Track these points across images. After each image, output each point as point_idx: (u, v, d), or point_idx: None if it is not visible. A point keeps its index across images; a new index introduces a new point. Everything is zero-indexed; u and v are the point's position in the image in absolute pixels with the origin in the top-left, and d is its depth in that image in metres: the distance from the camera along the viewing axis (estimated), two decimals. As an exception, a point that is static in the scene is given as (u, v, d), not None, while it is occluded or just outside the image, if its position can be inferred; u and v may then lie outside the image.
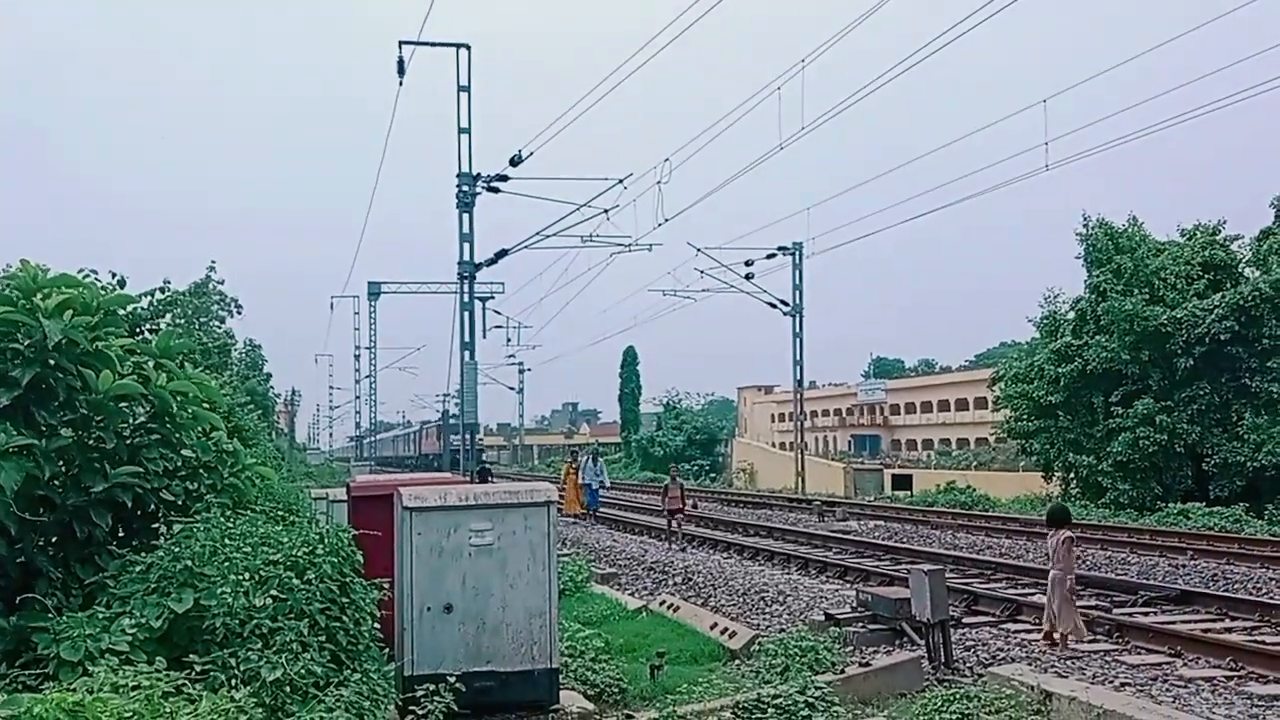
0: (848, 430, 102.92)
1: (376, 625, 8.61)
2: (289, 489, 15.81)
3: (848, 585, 16.57)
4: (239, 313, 36.43)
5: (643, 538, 25.56)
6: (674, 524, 23.69)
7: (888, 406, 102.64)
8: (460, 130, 29.68)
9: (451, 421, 57.03)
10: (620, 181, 28.29)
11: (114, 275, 10.91)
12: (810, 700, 8.73)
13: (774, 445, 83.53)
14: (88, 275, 9.68)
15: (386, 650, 9.08)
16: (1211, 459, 30.23)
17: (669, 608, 14.80)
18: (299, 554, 8.02)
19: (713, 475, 67.97)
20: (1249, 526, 24.21)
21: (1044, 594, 13.70)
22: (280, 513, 10.53)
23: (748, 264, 42.78)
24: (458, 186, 29.94)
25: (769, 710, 8.62)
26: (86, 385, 7.95)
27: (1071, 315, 35.74)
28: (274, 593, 7.61)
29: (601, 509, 31.44)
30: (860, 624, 12.47)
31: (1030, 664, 10.69)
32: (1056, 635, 11.59)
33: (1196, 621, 13.07)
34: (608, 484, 32.51)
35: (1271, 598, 14.79)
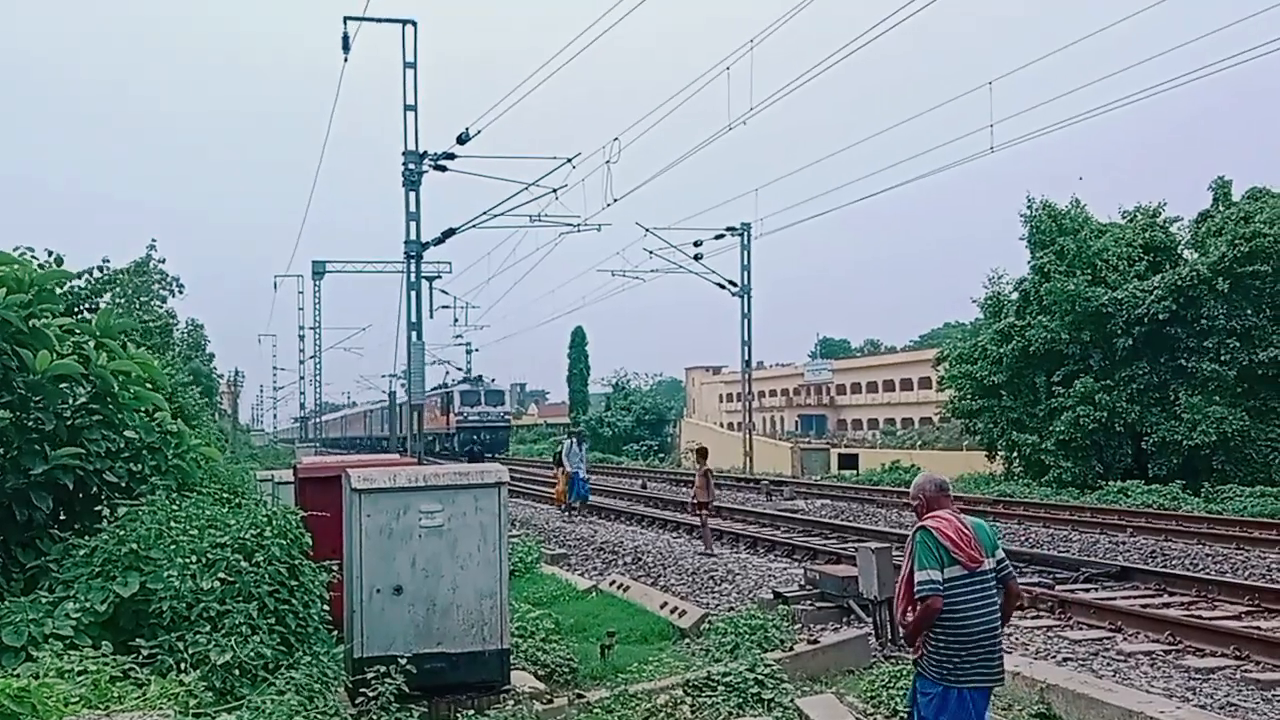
0: (795, 410, 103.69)
1: (326, 607, 8.57)
2: (234, 470, 15.66)
3: (796, 564, 16.70)
4: (181, 292, 35.90)
5: (594, 519, 25.57)
6: (704, 521, 18.59)
7: (834, 387, 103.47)
8: (406, 107, 29.36)
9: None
10: (569, 161, 28.18)
11: (50, 254, 10.68)
12: (759, 677, 8.82)
13: (722, 425, 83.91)
14: (22, 252, 9.48)
15: (336, 632, 9.03)
16: (1150, 437, 30.76)
17: (619, 588, 14.85)
18: (247, 536, 7.96)
19: (661, 455, 68.15)
20: (1186, 504, 24.73)
21: None
22: (226, 495, 10.44)
23: (696, 244, 42.83)
24: (404, 165, 29.62)
25: (719, 687, 8.68)
26: (24, 365, 7.80)
27: (1015, 296, 36.13)
28: (222, 575, 7.55)
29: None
30: (808, 602, 12.59)
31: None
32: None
33: (1136, 597, 13.35)
34: (583, 473, 26.46)
35: (1208, 573, 15.14)
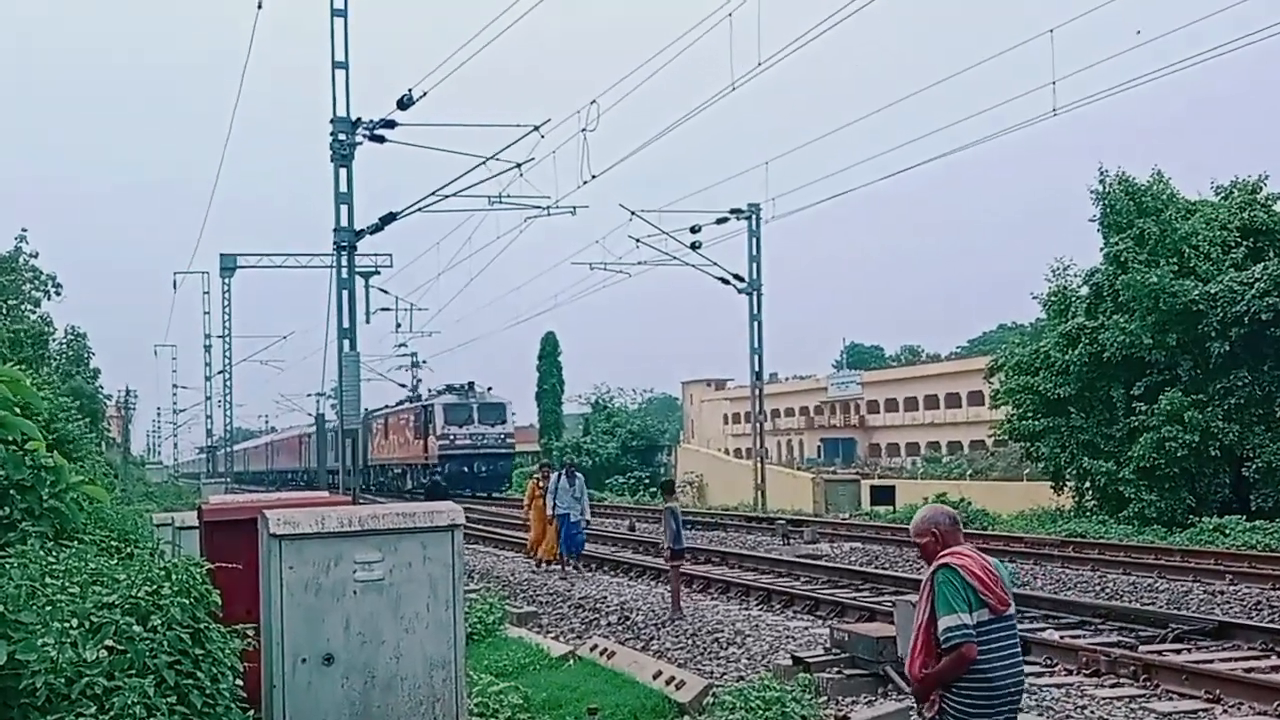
0: (816, 433, 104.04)
1: (239, 682, 8.50)
2: (125, 513, 15.59)
3: (819, 622, 16.70)
4: (58, 294, 35.92)
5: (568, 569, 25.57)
6: (674, 574, 18.72)
7: (864, 403, 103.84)
8: (335, 64, 29.35)
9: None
10: (536, 129, 28.22)
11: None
12: (777, 764, 8.80)
13: (727, 451, 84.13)
14: None
15: (252, 712, 8.98)
16: (1253, 463, 30.88)
17: (602, 653, 14.82)
18: (140, 594, 7.91)
19: (653, 490, 68.23)
20: (1297, 544, 24.84)
21: (1055, 628, 15.18)
22: (115, 543, 10.39)
23: (694, 230, 42.92)
24: (333, 135, 29.57)
25: (727, 777, 8.67)
26: None
27: (1085, 291, 36.29)
28: (109, 643, 7.49)
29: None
30: (835, 668, 12.58)
31: (1041, 715, 10.87)
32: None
33: (1238, 659, 13.39)
34: (588, 515, 25.04)
35: (1325, 629, 15.17)
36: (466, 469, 55.38)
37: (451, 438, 55.56)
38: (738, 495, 46.65)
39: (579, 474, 25.30)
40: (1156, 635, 14.76)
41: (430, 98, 29.85)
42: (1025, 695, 11.74)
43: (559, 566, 24.40)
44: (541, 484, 25.75)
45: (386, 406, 70.05)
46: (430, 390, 63.24)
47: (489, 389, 58.76)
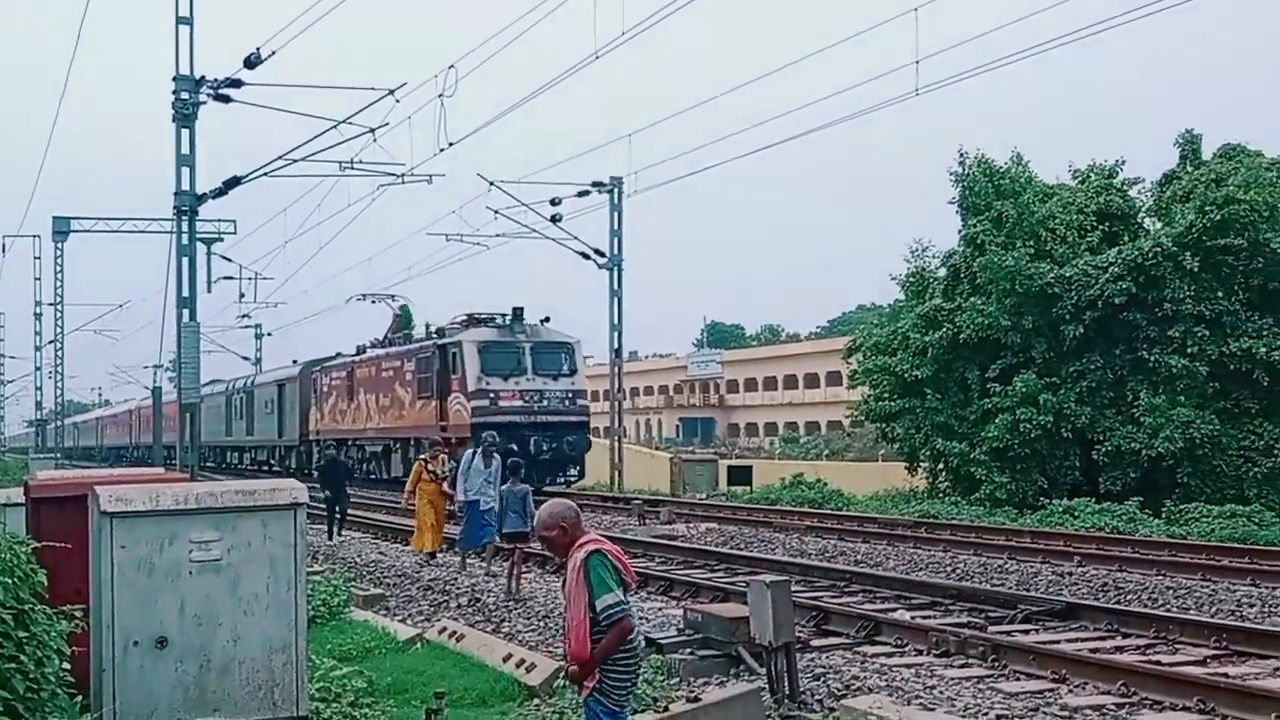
0: (675, 412, 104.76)
1: (66, 666, 8.31)
2: (-56, 489, 15.06)
3: (674, 603, 16.81)
4: None
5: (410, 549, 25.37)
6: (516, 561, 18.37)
7: (724, 382, 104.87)
8: (179, 20, 28.67)
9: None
10: (391, 93, 27.83)
11: None
12: (627, 746, 8.86)
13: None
14: None
15: (80, 698, 8.78)
16: (1103, 446, 31.78)
17: (451, 636, 14.76)
18: (-42, 575, 7.68)
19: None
20: (1144, 526, 25.64)
21: (906, 609, 15.44)
22: (-68, 521, 10.05)
23: (554, 203, 42.72)
24: (174, 93, 28.93)
25: (576, 760, 8.71)
26: None
27: (942, 272, 37.03)
28: (-77, 627, 7.27)
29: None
30: (688, 650, 12.68)
31: (891, 695, 11.10)
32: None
33: (1084, 640, 13.78)
34: (486, 502, 20.59)
35: (1168, 610, 15.73)
36: (516, 446, 33.88)
37: (492, 396, 37.09)
38: (594, 474, 46.73)
39: (497, 455, 21.62)
40: (1006, 616, 15.12)
41: (281, 58, 29.38)
42: (877, 675, 12.04)
43: (430, 557, 22.57)
44: (430, 466, 23.43)
45: (340, 355, 52.73)
46: (425, 329, 43.87)
47: (545, 320, 40.79)
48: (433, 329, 42.74)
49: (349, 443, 47.27)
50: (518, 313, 39.52)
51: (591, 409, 40.93)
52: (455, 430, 36.86)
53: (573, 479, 40.03)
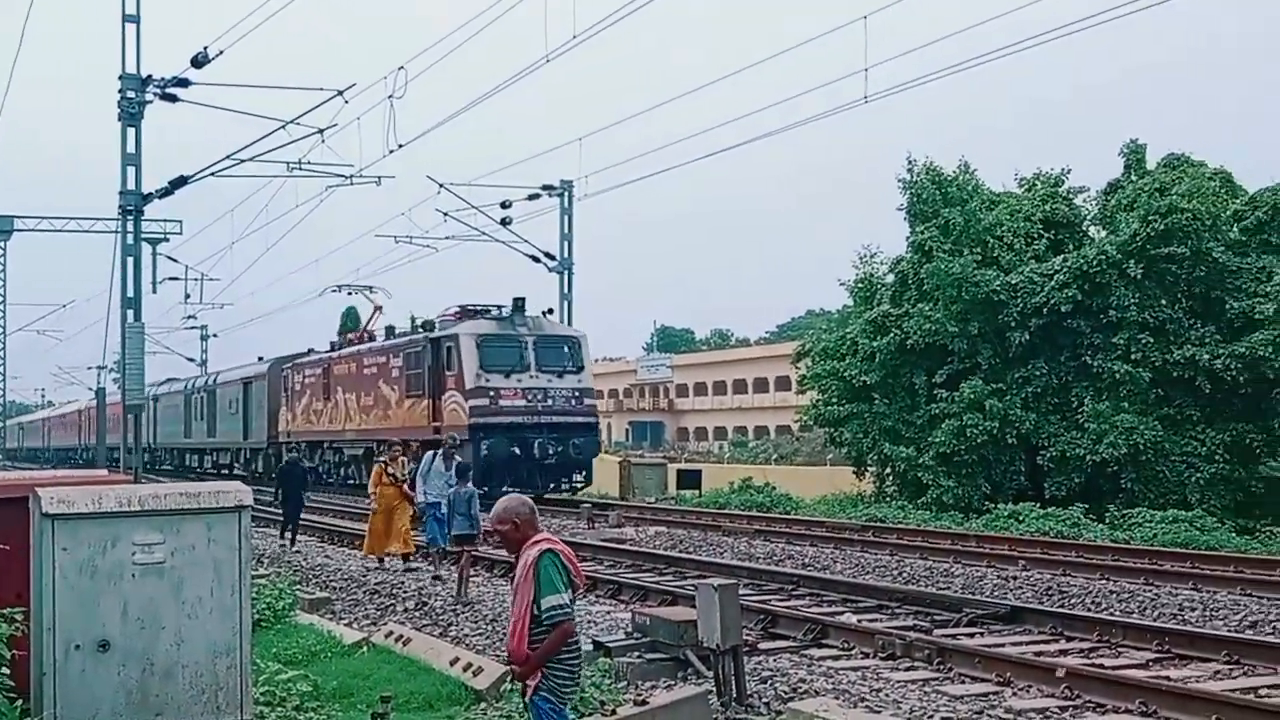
0: (625, 415, 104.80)
1: (6, 670, 8.24)
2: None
3: (621, 606, 16.83)
4: None
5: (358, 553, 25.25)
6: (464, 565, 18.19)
7: (674, 387, 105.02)
8: (126, 18, 28.49)
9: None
10: (340, 94, 27.76)
11: None
12: (574, 750, 8.87)
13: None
14: None
15: (20, 703, 8.70)
16: (1048, 451, 32.12)
17: (397, 640, 14.70)
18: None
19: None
20: (1088, 531, 25.98)
21: (853, 612, 15.66)
22: None
23: (504, 205, 42.70)
24: (121, 92, 28.76)
25: (522, 764, 8.71)
26: None
27: (891, 279, 37.28)
28: None
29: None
30: (636, 653, 12.68)
31: (837, 698, 11.15)
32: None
33: (1028, 643, 13.92)
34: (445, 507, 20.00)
35: (1111, 614, 15.90)
36: (519, 449, 33.81)
37: (493, 394, 34.33)
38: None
39: (458, 457, 21.54)
40: (951, 619, 15.24)
41: (229, 58, 29.22)
42: (823, 678, 12.10)
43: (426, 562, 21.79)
44: (389, 469, 22.94)
45: (313, 352, 49.40)
46: (444, 312, 38.66)
47: (548, 311, 38.78)
48: (418, 323, 40.06)
49: (325, 445, 44.63)
50: (519, 304, 36.30)
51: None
52: (451, 431, 31.46)
53: (579, 485, 37.31)
